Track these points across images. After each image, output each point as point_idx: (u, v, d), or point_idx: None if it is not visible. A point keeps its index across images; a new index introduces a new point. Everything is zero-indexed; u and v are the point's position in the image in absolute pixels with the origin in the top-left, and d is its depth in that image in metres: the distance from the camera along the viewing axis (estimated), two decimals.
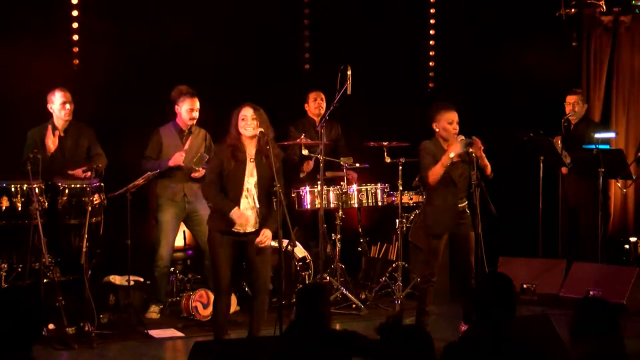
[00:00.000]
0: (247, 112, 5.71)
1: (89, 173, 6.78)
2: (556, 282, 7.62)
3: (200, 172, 7.11)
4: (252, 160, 5.73)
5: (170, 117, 7.29)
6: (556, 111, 8.30)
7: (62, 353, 6.11)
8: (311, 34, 9.13)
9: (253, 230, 5.76)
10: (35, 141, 6.87)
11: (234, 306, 7.12)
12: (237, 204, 5.68)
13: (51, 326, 6.39)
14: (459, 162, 6.25)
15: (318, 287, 5.10)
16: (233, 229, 5.70)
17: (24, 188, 6.44)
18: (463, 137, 6.19)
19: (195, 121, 7.23)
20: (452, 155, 6.11)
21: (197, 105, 7.19)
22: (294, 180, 7.90)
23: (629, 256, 8.53)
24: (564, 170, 8.19)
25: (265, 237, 5.70)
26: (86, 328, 6.30)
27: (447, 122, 6.25)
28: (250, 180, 5.73)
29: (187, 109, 7.18)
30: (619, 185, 8.51)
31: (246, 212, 5.70)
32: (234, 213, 5.66)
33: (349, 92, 7.27)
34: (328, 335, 4.37)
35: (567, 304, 7.09)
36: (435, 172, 6.15)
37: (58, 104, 6.95)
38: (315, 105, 8.11)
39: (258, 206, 5.72)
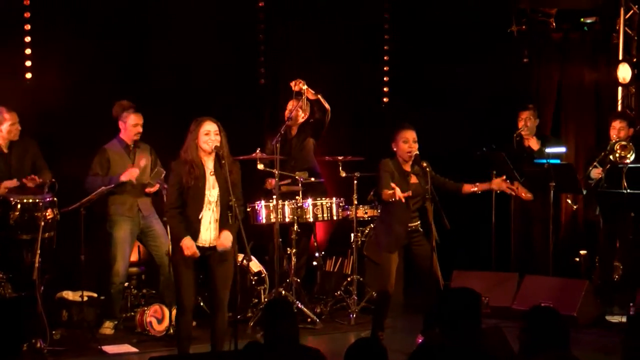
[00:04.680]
0: (210, 127, 5.67)
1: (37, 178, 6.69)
2: (509, 294, 7.71)
3: (154, 187, 7.09)
4: (212, 174, 5.71)
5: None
6: (509, 126, 8.41)
7: None
8: (266, 48, 9.14)
9: (215, 244, 5.72)
10: None
11: None
12: (198, 217, 5.63)
13: None
14: (416, 183, 6.34)
15: (279, 302, 5.05)
16: (197, 244, 5.65)
17: None
18: (417, 153, 6.32)
19: (139, 135, 7.21)
20: (393, 199, 6.15)
21: (141, 120, 7.19)
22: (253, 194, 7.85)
23: (578, 269, 8.67)
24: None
25: (225, 239, 5.65)
26: (38, 345, 6.24)
27: (402, 140, 6.35)
28: (213, 193, 5.69)
29: (133, 124, 7.16)
30: (569, 201, 8.70)
31: (210, 225, 5.67)
32: (183, 242, 5.58)
33: (303, 107, 7.28)
34: (296, 351, 4.32)
35: (520, 316, 7.16)
36: (386, 196, 6.22)
37: (7, 124, 6.83)
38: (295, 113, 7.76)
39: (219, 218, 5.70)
